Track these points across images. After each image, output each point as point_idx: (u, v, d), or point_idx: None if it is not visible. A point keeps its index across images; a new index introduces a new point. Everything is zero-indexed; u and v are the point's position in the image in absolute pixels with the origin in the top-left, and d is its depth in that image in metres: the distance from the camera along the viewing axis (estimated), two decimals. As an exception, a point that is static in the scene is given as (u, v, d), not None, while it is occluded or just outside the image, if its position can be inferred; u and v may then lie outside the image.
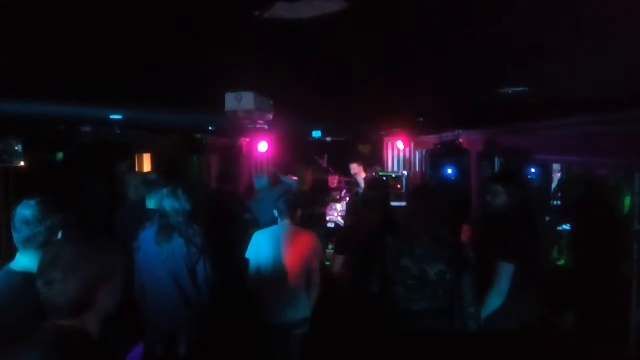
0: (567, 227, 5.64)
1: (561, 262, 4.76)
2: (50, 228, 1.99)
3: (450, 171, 6.57)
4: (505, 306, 3.01)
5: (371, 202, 3.75)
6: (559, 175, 6.52)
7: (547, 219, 5.59)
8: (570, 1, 1.28)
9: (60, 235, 2.01)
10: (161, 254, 3.30)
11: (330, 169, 8.85)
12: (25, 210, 1.99)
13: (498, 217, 3.26)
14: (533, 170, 5.78)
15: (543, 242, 3.41)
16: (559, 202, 6.14)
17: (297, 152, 8.94)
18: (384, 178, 8.13)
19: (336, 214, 7.51)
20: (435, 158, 6.91)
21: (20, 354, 1.43)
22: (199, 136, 7.64)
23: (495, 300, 3.02)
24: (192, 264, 3.33)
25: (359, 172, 7.50)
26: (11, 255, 2.02)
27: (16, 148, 3.96)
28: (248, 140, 9.45)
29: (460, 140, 6.80)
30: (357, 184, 7.52)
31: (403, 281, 2.90)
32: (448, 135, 7.07)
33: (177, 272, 3.32)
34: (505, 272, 2.99)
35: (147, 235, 3.39)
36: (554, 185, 6.40)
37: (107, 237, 1.72)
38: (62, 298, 1.44)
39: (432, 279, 2.86)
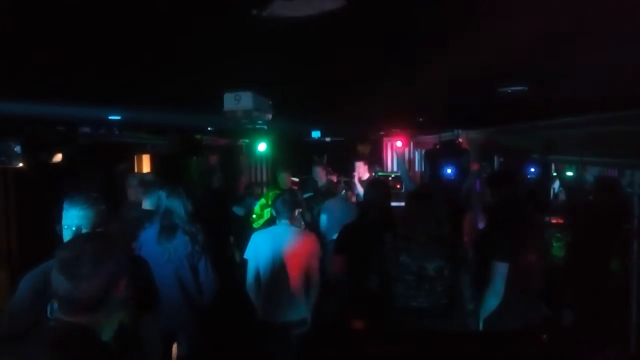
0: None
1: (559, 259, 4.75)
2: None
3: (449, 171, 6.56)
4: (505, 304, 3.02)
5: (371, 202, 3.74)
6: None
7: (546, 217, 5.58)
8: (570, 1, 1.28)
9: None
10: (163, 253, 3.30)
11: (329, 168, 8.83)
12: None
13: (492, 216, 3.27)
14: (532, 169, 5.78)
15: (540, 240, 3.39)
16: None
17: (296, 152, 8.91)
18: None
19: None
20: (435, 157, 6.89)
21: (25, 352, 1.42)
22: (198, 136, 7.62)
23: (492, 300, 3.03)
24: (194, 262, 3.34)
25: (362, 173, 7.30)
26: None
27: (15, 149, 3.95)
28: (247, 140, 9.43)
29: (460, 139, 6.80)
30: (353, 184, 7.36)
31: (402, 277, 2.91)
32: (447, 135, 7.07)
33: (180, 271, 3.33)
34: (499, 272, 3.01)
35: (148, 235, 3.37)
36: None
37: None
38: (85, 294, 1.43)
39: (430, 275, 2.87)
